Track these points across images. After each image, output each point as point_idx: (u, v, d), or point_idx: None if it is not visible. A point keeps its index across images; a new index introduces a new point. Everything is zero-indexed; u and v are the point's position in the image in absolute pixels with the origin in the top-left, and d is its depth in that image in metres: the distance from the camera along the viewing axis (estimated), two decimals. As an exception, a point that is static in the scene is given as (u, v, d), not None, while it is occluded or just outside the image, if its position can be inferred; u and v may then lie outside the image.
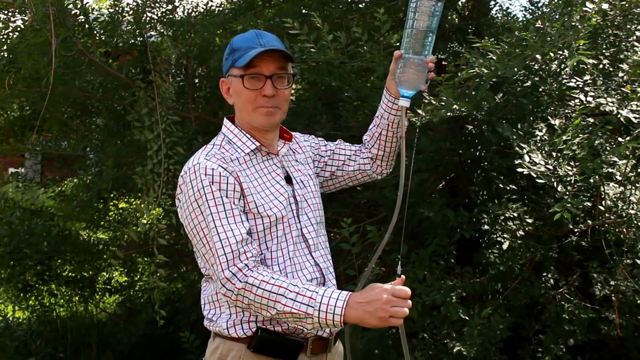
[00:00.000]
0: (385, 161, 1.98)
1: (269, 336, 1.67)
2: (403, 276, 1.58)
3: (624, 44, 2.74)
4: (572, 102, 2.77)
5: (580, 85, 2.59)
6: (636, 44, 2.66)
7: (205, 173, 1.64)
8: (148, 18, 3.69)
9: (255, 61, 1.70)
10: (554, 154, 2.28)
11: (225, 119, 1.83)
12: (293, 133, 1.94)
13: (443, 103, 2.48)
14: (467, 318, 3.00)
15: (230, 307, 1.69)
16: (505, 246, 3.02)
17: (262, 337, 1.66)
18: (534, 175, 2.25)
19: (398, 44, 3.71)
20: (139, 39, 3.69)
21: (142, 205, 3.66)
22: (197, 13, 3.93)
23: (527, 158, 2.29)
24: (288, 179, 1.80)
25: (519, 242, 3.06)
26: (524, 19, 3.32)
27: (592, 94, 2.49)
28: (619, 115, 2.40)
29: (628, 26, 2.68)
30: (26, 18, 3.37)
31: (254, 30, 1.79)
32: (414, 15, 1.70)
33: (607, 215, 2.76)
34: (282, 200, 1.72)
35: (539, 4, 3.21)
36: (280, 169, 1.80)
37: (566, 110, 2.75)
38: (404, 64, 1.73)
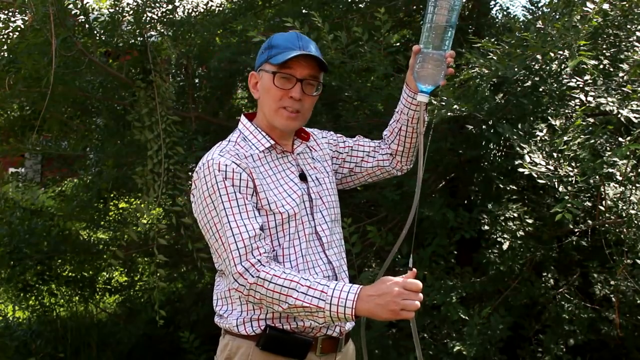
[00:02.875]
0: (405, 157, 1.98)
1: (278, 334, 1.67)
2: (414, 269, 1.57)
3: (624, 44, 2.74)
4: (573, 102, 2.77)
5: (581, 85, 2.59)
6: (636, 44, 2.66)
7: (218, 169, 1.65)
8: (148, 18, 3.69)
9: (291, 62, 1.71)
10: (554, 154, 2.28)
11: (242, 116, 1.84)
12: (311, 130, 1.95)
13: (443, 103, 2.48)
14: (467, 318, 3.00)
15: (242, 304, 1.69)
16: (505, 246, 3.02)
17: (270, 335, 1.67)
18: (535, 176, 2.25)
19: (398, 43, 3.72)
20: (139, 39, 3.69)
21: (142, 205, 3.66)
22: (197, 13, 3.93)
23: (527, 158, 2.29)
24: (302, 177, 1.80)
25: (519, 242, 3.06)
26: (525, 19, 3.32)
27: (593, 94, 2.49)
28: (619, 115, 2.40)
29: (628, 26, 2.68)
30: (26, 18, 3.37)
31: (296, 32, 1.79)
32: (433, 10, 1.69)
33: (607, 215, 2.76)
34: (295, 197, 1.73)
35: (539, 4, 3.20)
36: (294, 167, 1.81)
37: (566, 110, 2.75)
38: (422, 59, 1.72)
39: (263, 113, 1.79)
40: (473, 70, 2.36)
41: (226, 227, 1.62)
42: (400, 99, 1.93)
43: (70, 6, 3.41)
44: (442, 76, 1.73)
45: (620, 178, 2.60)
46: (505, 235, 3.05)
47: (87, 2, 3.52)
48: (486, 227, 3.11)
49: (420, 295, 1.54)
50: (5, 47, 3.46)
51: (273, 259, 1.66)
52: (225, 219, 1.62)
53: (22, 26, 3.36)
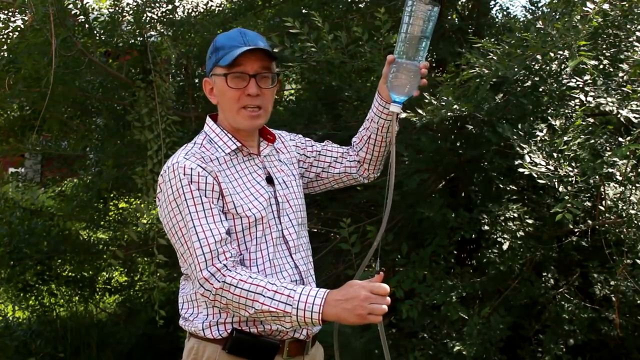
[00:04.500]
0: (372, 165, 1.96)
1: (244, 337, 1.66)
2: (382, 273, 1.57)
3: (624, 44, 2.74)
4: (572, 102, 2.77)
5: (581, 85, 2.59)
6: (636, 44, 2.66)
7: (184, 172, 1.62)
8: (148, 18, 3.69)
9: (240, 60, 1.68)
10: (554, 154, 2.28)
11: (207, 117, 1.81)
12: (279, 132, 1.93)
13: (443, 103, 2.48)
14: (467, 318, 3.00)
15: (208, 308, 1.68)
16: (505, 246, 3.02)
17: (237, 338, 1.65)
18: (535, 176, 2.25)
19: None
20: (139, 39, 3.69)
21: (142, 205, 3.66)
22: (197, 13, 3.93)
23: (527, 158, 2.29)
24: (269, 180, 1.78)
25: (519, 242, 3.06)
26: (524, 19, 3.32)
27: (592, 94, 2.49)
28: (619, 115, 2.40)
29: (628, 26, 2.68)
30: (26, 18, 3.38)
31: (238, 29, 1.77)
32: (408, 20, 1.68)
33: (607, 215, 2.76)
34: (262, 201, 1.71)
35: (539, 4, 3.21)
36: (261, 170, 1.78)
37: (566, 110, 2.75)
38: (396, 69, 1.71)
39: (225, 117, 1.77)
40: (473, 71, 2.35)
41: (192, 231, 1.60)
42: (371, 106, 1.91)
43: (70, 6, 3.41)
44: (416, 87, 1.71)
45: (620, 178, 2.61)
46: (505, 235, 3.04)
47: (87, 2, 3.53)
48: (486, 227, 3.11)
49: (388, 299, 1.52)
50: (5, 47, 3.46)
51: (240, 263, 1.64)
52: (190, 223, 1.60)
53: (22, 26, 3.36)
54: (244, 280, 1.55)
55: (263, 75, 1.72)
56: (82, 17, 3.50)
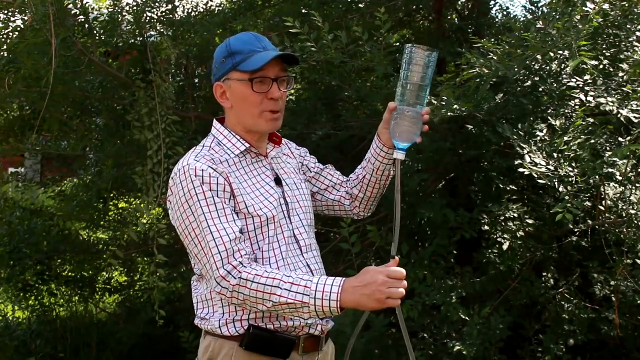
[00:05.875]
0: (364, 205, 1.97)
1: (261, 334, 1.66)
2: (397, 257, 1.59)
3: (624, 44, 2.74)
4: (573, 102, 2.77)
5: (581, 85, 2.59)
6: (636, 44, 2.66)
7: (195, 174, 1.63)
8: (148, 18, 3.70)
9: (262, 65, 1.69)
10: (555, 154, 2.28)
11: (215, 121, 1.82)
12: (286, 140, 1.94)
13: (443, 103, 2.48)
14: (467, 318, 3.00)
15: (224, 307, 1.69)
16: (505, 246, 3.02)
17: (254, 334, 1.66)
18: (535, 176, 2.25)
19: (398, 44, 3.72)
20: (139, 39, 3.69)
21: (142, 205, 3.66)
22: (197, 13, 3.93)
23: (528, 159, 2.29)
24: (278, 181, 1.80)
25: (519, 242, 3.06)
26: (525, 19, 3.33)
27: (593, 94, 2.50)
28: (619, 115, 2.40)
29: (628, 26, 2.68)
30: (26, 18, 3.37)
31: (252, 34, 1.77)
32: (408, 67, 1.67)
33: (607, 215, 2.76)
34: (272, 200, 1.72)
35: (539, 4, 3.21)
36: (270, 171, 1.80)
37: (566, 111, 2.75)
38: (398, 116, 1.71)
39: (239, 121, 1.77)
40: (473, 70, 2.36)
41: (206, 231, 1.61)
42: (370, 148, 1.92)
43: (70, 6, 3.41)
44: (419, 133, 1.72)
45: (620, 178, 2.61)
46: (506, 236, 3.04)
47: (87, 2, 3.53)
48: (486, 228, 3.11)
49: (405, 282, 1.54)
50: (5, 47, 3.46)
51: (254, 261, 1.65)
52: (204, 223, 1.61)
53: (22, 26, 3.36)
54: (260, 275, 1.57)
55: (282, 79, 1.74)
56: (82, 17, 3.50)
